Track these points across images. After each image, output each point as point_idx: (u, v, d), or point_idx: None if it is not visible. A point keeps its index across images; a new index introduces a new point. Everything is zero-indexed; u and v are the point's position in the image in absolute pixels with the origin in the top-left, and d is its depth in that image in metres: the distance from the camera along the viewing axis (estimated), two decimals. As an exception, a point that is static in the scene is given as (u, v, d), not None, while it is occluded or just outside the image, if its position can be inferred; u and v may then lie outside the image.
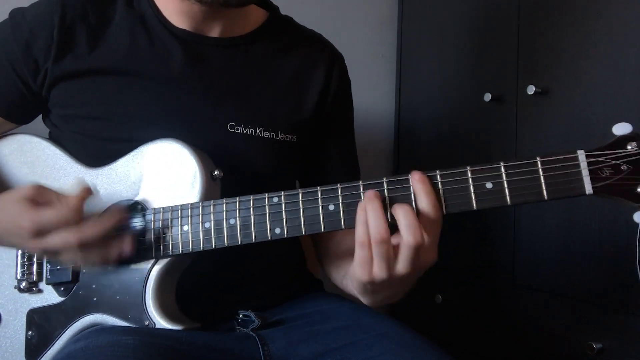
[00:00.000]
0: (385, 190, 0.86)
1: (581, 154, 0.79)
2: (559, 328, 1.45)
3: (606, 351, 1.33)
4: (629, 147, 0.78)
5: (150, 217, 0.98)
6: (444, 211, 0.85)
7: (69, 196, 0.93)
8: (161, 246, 0.97)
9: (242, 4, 1.04)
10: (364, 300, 0.97)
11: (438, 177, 0.85)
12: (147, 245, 0.98)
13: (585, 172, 0.79)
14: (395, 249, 0.83)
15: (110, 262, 0.96)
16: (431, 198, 0.83)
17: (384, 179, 0.86)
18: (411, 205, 0.84)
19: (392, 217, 0.84)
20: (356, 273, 0.86)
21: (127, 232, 0.97)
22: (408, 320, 1.27)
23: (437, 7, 1.85)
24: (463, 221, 1.71)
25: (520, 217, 1.54)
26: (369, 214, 0.83)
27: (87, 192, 0.95)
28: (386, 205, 0.85)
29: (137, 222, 0.99)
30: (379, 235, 0.81)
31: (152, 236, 0.98)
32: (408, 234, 0.81)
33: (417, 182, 0.84)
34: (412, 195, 0.85)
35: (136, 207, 1.00)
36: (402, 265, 0.83)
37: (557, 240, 1.45)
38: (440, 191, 0.85)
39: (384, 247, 0.82)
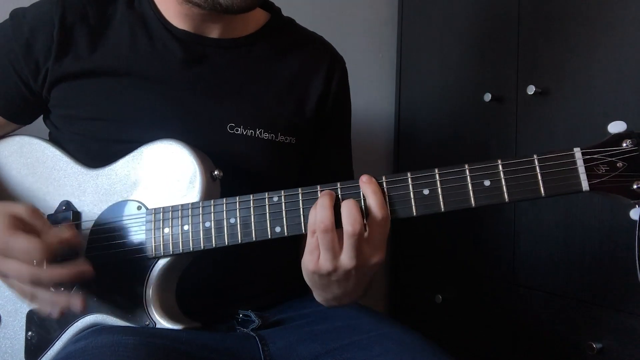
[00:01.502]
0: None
1: (577, 152, 0.81)
2: (559, 328, 1.45)
3: (606, 351, 1.33)
4: (624, 145, 0.79)
5: (150, 217, 0.99)
6: (442, 209, 0.86)
7: (52, 234, 0.91)
8: (161, 246, 0.97)
9: (242, 11, 1.04)
10: (315, 295, 0.99)
11: (437, 175, 0.86)
12: (147, 245, 0.98)
13: (581, 169, 0.80)
14: (342, 242, 0.86)
15: (54, 312, 0.94)
16: (377, 197, 0.87)
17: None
18: (354, 200, 0.88)
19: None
20: (305, 261, 0.90)
21: (80, 290, 0.97)
22: (408, 320, 1.27)
23: (437, 7, 1.85)
24: (463, 221, 1.71)
25: (520, 217, 1.54)
26: (317, 206, 0.87)
27: (72, 240, 0.93)
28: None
29: (137, 222, 0.99)
30: (323, 224, 0.85)
31: (153, 236, 0.98)
32: (347, 223, 0.85)
33: (364, 183, 0.88)
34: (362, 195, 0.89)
35: (136, 207, 1.00)
36: (345, 256, 0.86)
37: (557, 240, 1.45)
38: (439, 189, 0.86)
39: (327, 236, 0.85)
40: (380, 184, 0.88)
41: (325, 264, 0.87)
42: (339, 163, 1.25)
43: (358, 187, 0.89)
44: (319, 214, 0.86)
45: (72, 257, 0.96)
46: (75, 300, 0.93)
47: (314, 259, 0.88)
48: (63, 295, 0.94)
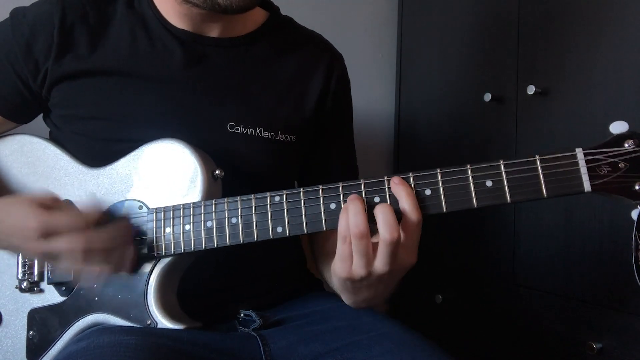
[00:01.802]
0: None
1: (579, 152, 0.81)
2: (559, 328, 1.45)
3: (606, 351, 1.33)
4: (626, 145, 0.79)
5: (152, 216, 0.99)
6: (444, 209, 0.86)
7: (82, 207, 0.94)
8: (163, 245, 0.97)
9: (241, 11, 1.04)
10: (344, 298, 0.99)
11: (439, 175, 0.86)
12: (148, 245, 0.98)
13: (583, 170, 0.80)
14: (375, 247, 0.84)
15: (107, 275, 0.95)
16: (412, 200, 0.85)
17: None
18: (389, 204, 0.86)
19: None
20: (337, 269, 0.88)
21: (130, 247, 0.97)
22: (408, 320, 1.27)
23: (437, 7, 1.86)
24: (463, 221, 1.72)
25: (520, 217, 1.54)
26: (349, 211, 0.85)
27: (100, 214, 0.95)
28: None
29: (138, 222, 0.99)
30: (358, 230, 0.83)
31: (154, 235, 0.98)
32: (385, 230, 0.83)
33: (396, 185, 0.86)
34: (388, 197, 0.87)
35: (138, 207, 1.00)
36: (380, 262, 0.85)
37: (557, 240, 1.45)
38: (441, 189, 0.86)
39: (362, 242, 0.83)
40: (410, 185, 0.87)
41: (359, 270, 0.85)
42: (341, 161, 1.25)
43: (381, 187, 0.88)
44: (352, 219, 0.84)
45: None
46: (127, 260, 0.95)
47: (347, 267, 0.86)
48: (113, 257, 0.94)
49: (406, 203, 0.85)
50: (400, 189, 0.86)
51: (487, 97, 1.60)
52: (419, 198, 0.86)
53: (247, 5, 1.03)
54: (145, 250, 0.98)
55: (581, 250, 1.39)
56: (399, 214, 0.85)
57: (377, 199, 0.87)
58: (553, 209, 1.46)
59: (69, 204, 0.97)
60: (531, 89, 1.47)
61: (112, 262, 0.94)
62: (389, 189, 0.87)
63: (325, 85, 1.19)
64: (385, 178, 0.88)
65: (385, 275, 0.86)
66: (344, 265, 0.87)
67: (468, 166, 0.85)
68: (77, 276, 1.00)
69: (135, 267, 0.98)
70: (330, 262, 1.13)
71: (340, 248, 0.86)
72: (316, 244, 1.22)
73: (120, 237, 0.95)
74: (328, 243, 1.18)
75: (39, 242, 0.91)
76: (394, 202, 0.86)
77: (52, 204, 0.94)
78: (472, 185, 0.84)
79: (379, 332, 1.01)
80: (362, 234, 0.83)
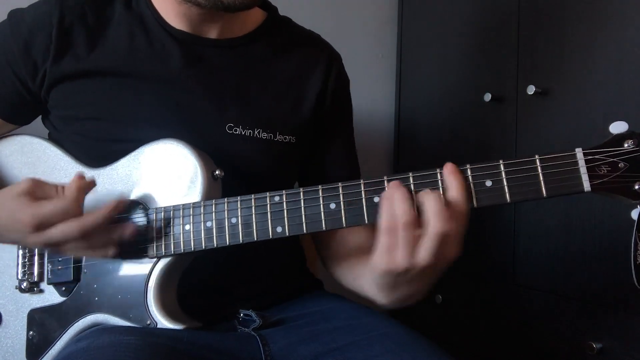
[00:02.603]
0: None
1: (579, 152, 0.81)
2: (559, 328, 1.45)
3: (606, 351, 1.33)
4: (626, 145, 0.79)
5: (151, 216, 0.98)
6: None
7: (67, 188, 0.93)
8: (163, 245, 0.97)
9: (244, 8, 1.04)
10: (381, 298, 0.97)
11: (439, 175, 0.85)
12: (148, 245, 0.98)
13: (583, 170, 0.80)
14: (418, 238, 0.82)
15: (113, 251, 0.95)
16: (463, 190, 0.83)
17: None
18: (441, 193, 0.84)
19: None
20: (377, 262, 0.85)
21: (126, 221, 0.97)
22: (408, 320, 1.27)
23: (437, 7, 1.86)
24: (463, 221, 1.71)
25: (520, 217, 1.54)
26: (395, 199, 0.82)
27: (86, 183, 0.95)
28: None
29: (138, 222, 0.99)
30: (407, 217, 0.80)
31: (154, 235, 0.98)
32: (436, 220, 0.80)
33: (450, 173, 0.84)
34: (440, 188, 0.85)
35: (137, 207, 1.00)
36: (424, 254, 0.81)
37: (556, 240, 1.45)
38: (441, 189, 0.85)
39: (410, 231, 0.81)
40: (381, 183, 0.87)
41: (402, 261, 0.82)
42: (342, 160, 1.24)
43: (381, 186, 0.86)
44: (398, 207, 0.81)
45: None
46: (126, 231, 0.95)
47: (390, 258, 0.83)
48: (112, 232, 0.94)
49: (458, 193, 0.83)
50: (453, 178, 0.84)
51: (487, 97, 1.60)
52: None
53: (249, 3, 1.03)
54: (145, 251, 0.98)
55: (581, 250, 1.39)
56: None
57: (376, 199, 0.87)
58: (553, 209, 1.46)
59: (54, 189, 0.95)
60: (531, 89, 1.47)
61: (112, 235, 0.94)
62: (433, 181, 0.85)
63: (324, 85, 1.18)
64: (385, 178, 0.87)
65: (428, 268, 0.83)
66: (387, 257, 0.83)
67: (467, 166, 0.85)
68: (89, 257, 1.01)
69: (134, 240, 0.98)
70: (346, 264, 1.14)
71: (384, 240, 0.83)
72: (321, 246, 1.21)
73: (111, 211, 0.93)
74: (333, 243, 1.17)
75: (36, 235, 0.91)
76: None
77: (39, 193, 0.93)
78: (471, 185, 0.84)
79: (379, 332, 1.01)
80: (412, 222, 0.80)
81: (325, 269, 1.24)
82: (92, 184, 0.96)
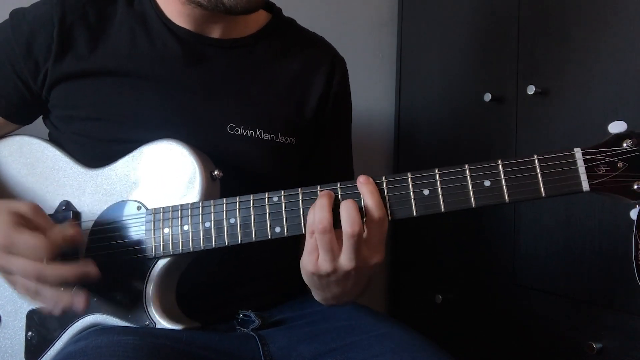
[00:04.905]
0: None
1: (577, 152, 0.81)
2: (559, 328, 1.45)
3: (606, 351, 1.33)
4: (625, 145, 0.79)
5: (150, 217, 0.99)
6: (443, 209, 0.86)
7: (56, 231, 0.91)
8: (161, 246, 0.97)
9: (246, 12, 1.04)
10: (314, 295, 0.99)
11: (437, 175, 0.86)
12: (147, 245, 0.98)
13: (582, 170, 0.80)
14: (340, 242, 0.86)
15: (56, 310, 0.93)
16: (374, 197, 0.87)
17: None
18: (354, 200, 0.87)
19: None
20: (304, 262, 0.90)
21: (84, 290, 0.94)
22: (408, 320, 1.27)
23: (437, 7, 1.85)
24: (463, 221, 1.71)
25: (520, 217, 1.54)
26: (316, 207, 0.86)
27: (76, 238, 0.93)
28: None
29: (137, 222, 0.99)
30: (321, 225, 0.85)
31: (152, 236, 0.98)
32: (347, 224, 0.84)
33: (361, 184, 0.88)
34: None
35: (136, 207, 1.00)
36: (345, 257, 0.86)
37: (556, 240, 1.45)
38: (439, 189, 0.86)
39: (326, 237, 0.85)
40: (380, 185, 0.88)
41: (324, 265, 0.87)
42: (340, 163, 1.25)
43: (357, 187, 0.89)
44: (317, 214, 0.85)
45: (73, 256, 0.96)
46: (78, 299, 0.91)
47: (313, 260, 0.88)
48: (66, 294, 0.92)
49: (369, 200, 0.87)
50: (364, 187, 0.88)
51: (487, 97, 1.60)
52: (417, 198, 0.86)
53: (251, 7, 1.03)
54: (144, 251, 0.98)
55: (581, 250, 1.39)
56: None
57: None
58: (553, 209, 1.45)
59: (45, 225, 0.93)
60: (531, 89, 1.47)
61: (63, 297, 0.92)
62: (382, 190, 0.88)
63: (327, 88, 1.19)
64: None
65: (351, 271, 0.87)
66: (310, 259, 0.88)
67: (466, 166, 0.85)
68: (29, 301, 0.99)
69: (83, 312, 0.97)
70: None
71: (308, 242, 0.88)
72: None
73: (75, 276, 0.91)
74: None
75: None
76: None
77: (31, 221, 0.91)
78: (470, 185, 0.84)
79: (379, 332, 1.01)
80: (325, 229, 0.85)
81: None
82: (80, 241, 0.95)
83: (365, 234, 0.86)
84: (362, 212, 0.87)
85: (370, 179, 0.88)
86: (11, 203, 0.94)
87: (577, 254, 1.40)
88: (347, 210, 0.85)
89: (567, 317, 1.43)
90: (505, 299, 1.60)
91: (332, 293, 0.95)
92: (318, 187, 0.90)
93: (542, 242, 1.49)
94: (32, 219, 0.92)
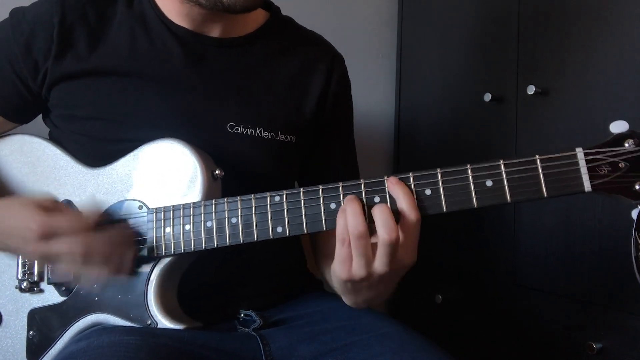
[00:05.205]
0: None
1: (579, 152, 0.80)
2: (559, 328, 1.45)
3: (606, 351, 1.33)
4: (627, 145, 0.79)
5: (151, 216, 0.99)
6: (444, 209, 0.85)
7: (84, 211, 0.96)
8: (163, 245, 0.97)
9: (245, 11, 1.04)
10: (345, 299, 0.99)
11: (439, 175, 0.85)
12: (148, 245, 0.98)
13: (583, 170, 0.80)
14: (374, 247, 0.84)
15: (106, 278, 0.96)
16: (409, 200, 0.85)
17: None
18: (387, 205, 0.86)
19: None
20: (336, 271, 0.88)
21: (130, 250, 0.97)
22: (408, 320, 1.27)
23: (437, 7, 1.85)
24: (463, 221, 1.71)
25: (520, 217, 1.54)
26: (348, 213, 0.85)
27: (100, 214, 0.97)
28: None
29: (138, 222, 0.99)
30: (357, 231, 0.83)
31: (154, 235, 0.98)
32: (383, 231, 0.82)
33: (394, 185, 0.86)
34: (388, 197, 0.87)
35: (138, 207, 1.00)
36: (379, 263, 0.84)
37: (557, 240, 1.45)
38: (441, 189, 0.85)
39: (362, 243, 0.83)
40: (409, 185, 0.87)
41: (359, 271, 0.85)
42: (342, 162, 1.25)
43: (382, 187, 0.87)
44: (351, 220, 0.84)
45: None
46: (126, 263, 0.96)
47: (347, 268, 0.86)
48: (113, 260, 0.94)
49: (404, 203, 0.85)
50: (397, 189, 0.86)
51: (487, 97, 1.60)
52: (419, 198, 0.86)
53: (250, 5, 1.03)
54: (145, 251, 0.98)
55: (581, 250, 1.39)
56: (397, 214, 0.85)
57: (377, 199, 0.87)
58: (553, 209, 1.46)
59: (68, 205, 0.98)
60: (531, 89, 1.47)
61: (111, 264, 0.94)
62: (384, 189, 0.87)
63: (326, 86, 1.19)
64: (385, 178, 0.88)
65: (385, 275, 0.86)
66: (344, 267, 0.86)
67: (468, 166, 0.84)
68: (77, 278, 1.01)
69: (134, 270, 0.99)
70: (331, 263, 1.14)
71: (340, 250, 0.86)
72: (317, 245, 1.22)
73: (119, 240, 0.95)
74: (329, 244, 1.18)
75: (39, 243, 0.91)
76: (393, 202, 0.86)
77: (51, 206, 0.94)
78: (472, 185, 0.84)
79: (379, 332, 1.01)
80: (361, 235, 0.83)
81: (317, 266, 1.25)
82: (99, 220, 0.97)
83: (401, 238, 0.84)
84: (394, 214, 0.85)
85: (401, 181, 0.86)
86: (24, 197, 0.98)
87: (577, 254, 1.40)
88: (382, 215, 0.83)
89: (567, 317, 1.43)
90: (505, 299, 1.60)
91: (363, 297, 0.94)
92: (320, 186, 0.90)
93: (542, 242, 1.49)
94: (55, 206, 0.95)
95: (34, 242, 0.91)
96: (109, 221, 0.99)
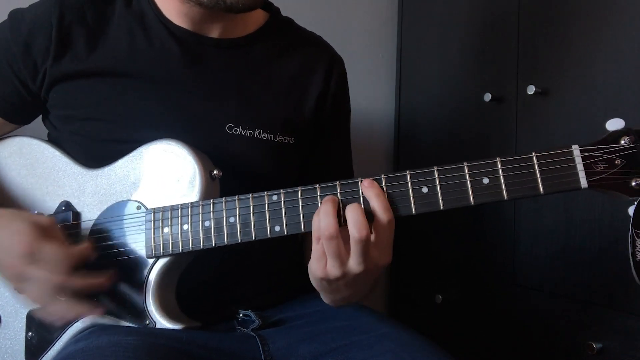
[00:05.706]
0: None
1: (575, 149, 0.81)
2: (559, 328, 1.45)
3: (606, 351, 1.33)
4: (622, 142, 0.80)
5: (150, 216, 0.99)
6: (442, 207, 0.86)
7: (76, 248, 0.95)
8: (161, 245, 0.97)
9: (246, 10, 1.04)
10: (323, 298, 0.99)
11: (436, 173, 0.85)
12: (147, 245, 0.98)
13: (580, 167, 0.80)
14: (348, 246, 0.85)
15: (67, 319, 0.96)
16: (381, 200, 0.86)
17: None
18: (359, 204, 0.87)
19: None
20: (312, 268, 0.89)
21: (102, 301, 0.98)
22: (408, 320, 1.27)
23: (437, 7, 1.85)
24: (463, 221, 1.71)
25: (520, 217, 1.54)
26: (321, 213, 0.86)
27: (91, 254, 0.96)
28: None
29: (137, 222, 0.99)
30: (327, 232, 0.84)
31: (152, 235, 0.98)
32: (354, 229, 0.84)
33: (366, 188, 0.87)
34: (362, 198, 0.88)
35: (136, 207, 1.00)
36: (353, 262, 0.85)
37: (556, 240, 1.45)
38: (438, 187, 0.86)
39: (332, 243, 0.84)
40: (379, 182, 0.88)
41: (333, 270, 0.86)
42: (339, 162, 1.26)
43: (357, 186, 0.88)
44: (322, 221, 0.85)
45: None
46: (95, 311, 0.96)
47: (322, 266, 0.87)
48: (81, 304, 0.94)
49: (376, 204, 0.86)
50: (369, 191, 0.87)
51: (487, 97, 1.60)
52: (416, 196, 0.86)
53: (252, 5, 1.03)
54: (143, 251, 0.98)
55: (581, 250, 1.39)
56: (371, 215, 0.86)
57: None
58: (553, 209, 1.45)
59: (62, 237, 0.97)
60: (531, 89, 1.47)
61: (73, 310, 0.94)
62: (382, 188, 0.88)
63: (325, 87, 1.19)
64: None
65: (360, 274, 0.87)
66: (318, 265, 0.88)
67: (465, 163, 0.85)
68: (42, 309, 0.99)
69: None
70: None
71: (315, 248, 0.87)
72: (306, 246, 1.22)
73: (97, 285, 0.95)
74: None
75: (19, 262, 0.90)
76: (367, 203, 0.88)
77: (47, 227, 0.94)
78: (468, 182, 0.84)
79: (379, 332, 1.01)
80: (331, 235, 0.84)
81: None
82: (92, 257, 0.97)
83: (373, 237, 0.85)
84: (368, 214, 0.86)
85: (375, 182, 0.88)
86: (27, 214, 0.97)
87: (577, 254, 1.40)
88: (353, 214, 0.84)
89: (567, 317, 1.43)
90: (505, 299, 1.59)
91: (341, 295, 0.95)
92: (317, 185, 0.90)
93: (542, 242, 1.49)
94: (52, 231, 0.94)
95: (16, 258, 0.91)
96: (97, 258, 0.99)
